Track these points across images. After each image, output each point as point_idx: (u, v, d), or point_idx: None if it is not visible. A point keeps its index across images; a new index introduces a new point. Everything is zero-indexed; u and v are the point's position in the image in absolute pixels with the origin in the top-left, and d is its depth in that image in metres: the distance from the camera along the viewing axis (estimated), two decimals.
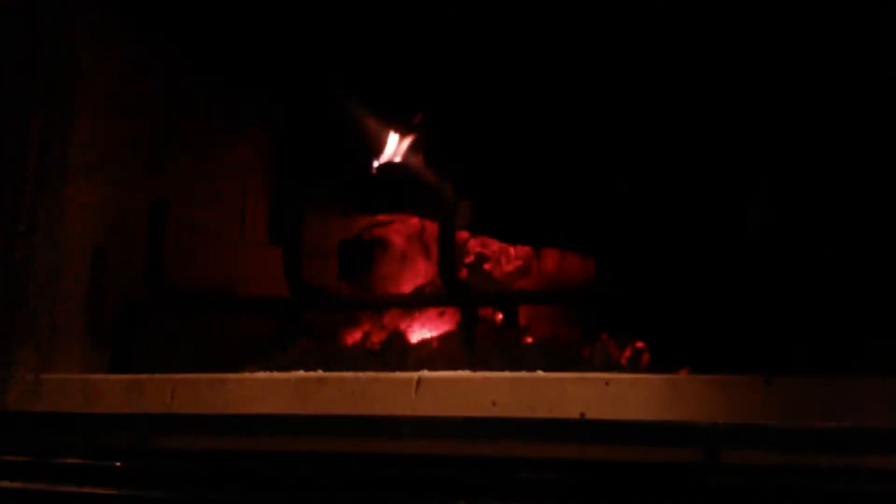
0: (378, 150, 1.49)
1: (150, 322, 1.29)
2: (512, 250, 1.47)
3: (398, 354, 1.26)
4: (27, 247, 1.17)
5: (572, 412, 0.87)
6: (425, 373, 0.93)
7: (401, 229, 1.54)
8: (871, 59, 1.05)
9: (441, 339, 1.30)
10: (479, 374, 0.93)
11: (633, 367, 1.15)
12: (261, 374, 1.00)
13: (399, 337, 1.35)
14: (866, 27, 1.06)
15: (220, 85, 1.52)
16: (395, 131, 1.48)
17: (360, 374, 0.96)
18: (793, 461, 0.81)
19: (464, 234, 1.48)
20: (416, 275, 1.50)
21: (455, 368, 1.00)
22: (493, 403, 0.90)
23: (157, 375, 1.03)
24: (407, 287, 1.47)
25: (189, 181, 1.44)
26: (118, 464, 1.01)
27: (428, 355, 1.23)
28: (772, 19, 1.15)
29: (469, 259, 1.47)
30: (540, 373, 0.91)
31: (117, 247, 1.28)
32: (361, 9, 1.42)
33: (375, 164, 1.47)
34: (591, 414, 0.86)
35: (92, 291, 1.24)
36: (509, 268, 1.47)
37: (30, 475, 1.03)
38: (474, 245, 1.49)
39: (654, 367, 1.13)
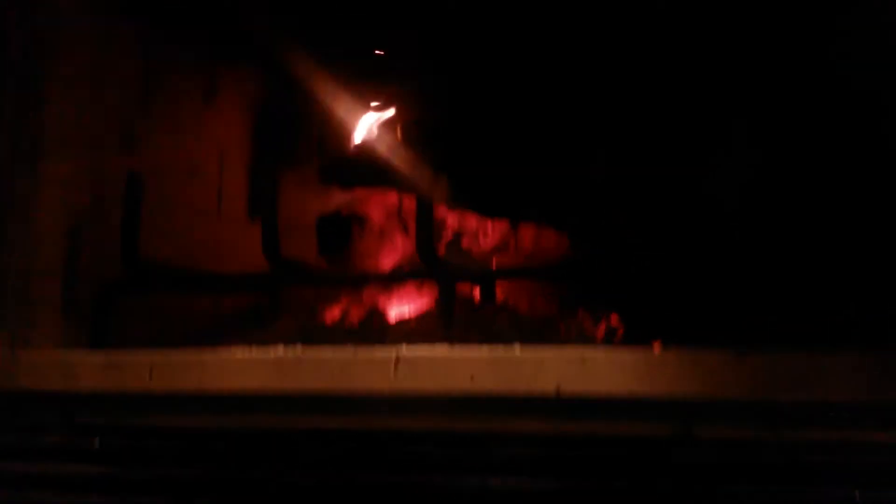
0: (355, 124, 1.48)
1: (128, 299, 1.28)
2: (489, 226, 1.47)
3: (377, 330, 1.26)
4: (1, 222, 1.16)
5: (548, 387, 0.88)
6: (404, 350, 0.94)
7: (379, 205, 1.53)
8: None
9: (419, 314, 1.30)
10: (458, 351, 0.93)
11: (609, 341, 1.16)
12: (239, 353, 1.00)
13: (378, 313, 1.36)
14: None
15: (195, 59, 1.50)
16: (373, 107, 1.47)
17: (339, 351, 0.96)
18: (765, 435, 0.83)
19: (442, 210, 1.49)
20: (395, 250, 1.49)
21: (433, 344, 1.01)
22: (471, 379, 0.91)
23: (136, 353, 1.03)
24: (385, 263, 1.47)
25: (165, 156, 1.43)
26: (97, 442, 1.01)
27: (406, 331, 1.23)
28: None
29: (447, 235, 1.47)
30: (517, 348, 0.92)
31: (94, 222, 1.27)
32: None
33: (353, 138, 1.47)
34: (567, 389, 0.88)
35: (68, 267, 1.23)
36: (486, 244, 1.47)
37: (7, 454, 1.03)
38: (452, 221, 1.49)
39: (629, 342, 1.14)
